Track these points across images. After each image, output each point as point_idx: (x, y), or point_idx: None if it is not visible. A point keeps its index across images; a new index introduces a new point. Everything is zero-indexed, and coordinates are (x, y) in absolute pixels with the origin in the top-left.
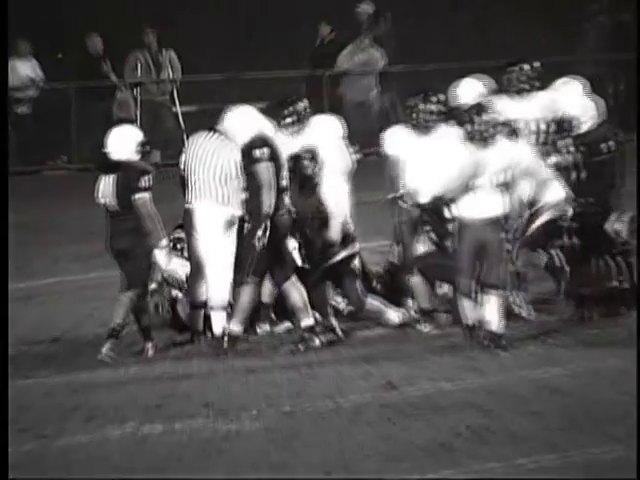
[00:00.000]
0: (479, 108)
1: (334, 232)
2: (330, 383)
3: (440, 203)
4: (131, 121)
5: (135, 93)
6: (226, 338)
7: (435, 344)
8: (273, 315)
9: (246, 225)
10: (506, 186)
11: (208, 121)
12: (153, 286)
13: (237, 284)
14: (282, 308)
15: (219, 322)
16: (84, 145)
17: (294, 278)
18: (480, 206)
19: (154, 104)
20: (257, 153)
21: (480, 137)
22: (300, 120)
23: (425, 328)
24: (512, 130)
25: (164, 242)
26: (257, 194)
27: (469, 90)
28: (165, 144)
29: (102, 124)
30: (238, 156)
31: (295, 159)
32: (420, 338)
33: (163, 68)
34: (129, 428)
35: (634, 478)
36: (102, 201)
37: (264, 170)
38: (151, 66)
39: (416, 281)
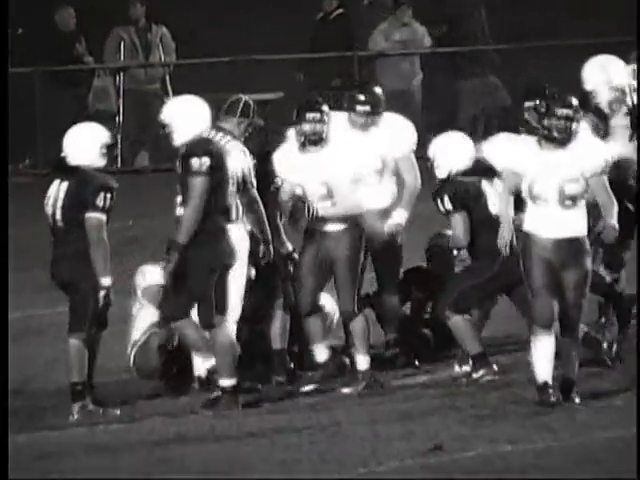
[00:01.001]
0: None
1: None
2: (362, 445)
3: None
4: (112, 115)
5: (117, 80)
6: (220, 393)
7: (492, 395)
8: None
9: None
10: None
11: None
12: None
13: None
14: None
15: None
16: (52, 145)
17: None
18: (553, 222)
19: (141, 94)
20: (194, 163)
21: (555, 135)
22: (375, 111)
23: (477, 374)
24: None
25: (107, 281)
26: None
27: (596, 73)
28: (155, 144)
29: (75, 119)
30: (249, 162)
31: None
32: (473, 389)
33: (153, 49)
34: None
35: (634, 478)
36: (48, 211)
37: (197, 186)
38: (138, 46)
39: (455, 320)
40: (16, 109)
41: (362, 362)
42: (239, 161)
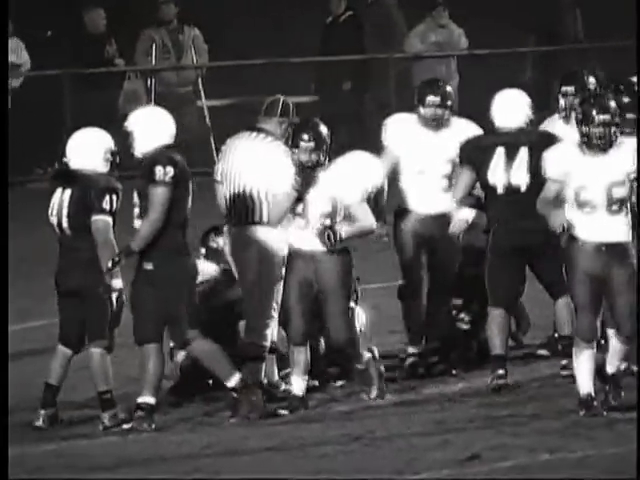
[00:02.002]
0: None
1: None
2: (398, 456)
3: None
4: None
5: (149, 83)
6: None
7: (530, 405)
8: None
9: None
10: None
11: (242, 118)
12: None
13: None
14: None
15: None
16: None
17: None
18: (600, 228)
19: (173, 97)
20: (158, 172)
21: (595, 142)
22: (445, 110)
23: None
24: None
25: (119, 283)
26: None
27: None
28: (187, 147)
29: (105, 122)
30: (289, 162)
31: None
32: (511, 397)
33: (185, 51)
34: None
35: (634, 478)
36: (54, 221)
37: (160, 196)
38: (170, 48)
39: (493, 315)
40: (45, 112)
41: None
42: (281, 162)
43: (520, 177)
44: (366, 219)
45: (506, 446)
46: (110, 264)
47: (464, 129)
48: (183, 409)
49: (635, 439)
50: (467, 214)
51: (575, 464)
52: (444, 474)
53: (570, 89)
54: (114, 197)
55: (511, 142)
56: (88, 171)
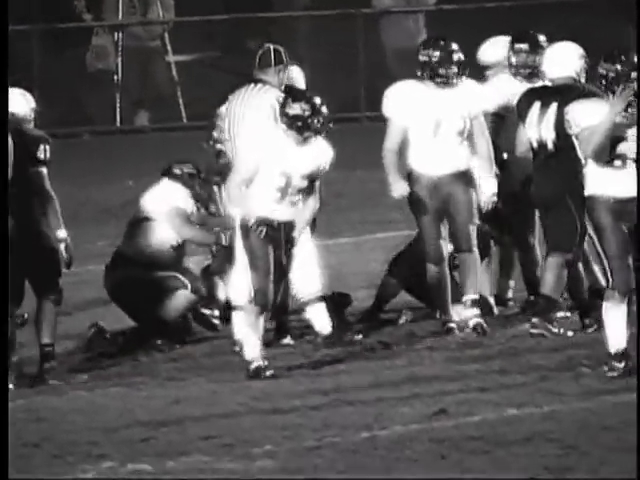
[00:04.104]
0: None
1: None
2: (366, 411)
3: None
4: (111, 73)
5: (116, 38)
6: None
7: (497, 360)
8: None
9: None
10: None
11: (211, 73)
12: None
13: None
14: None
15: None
16: (50, 104)
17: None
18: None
19: (141, 52)
20: (38, 152)
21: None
22: (459, 70)
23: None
24: None
25: (63, 233)
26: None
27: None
28: (155, 103)
29: (73, 77)
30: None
31: None
32: (479, 352)
33: (151, 5)
34: (107, 469)
35: (634, 478)
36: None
37: (41, 177)
38: (135, 3)
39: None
40: (14, 68)
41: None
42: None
43: (547, 133)
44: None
45: (473, 401)
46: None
47: (472, 87)
48: (152, 365)
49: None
50: (494, 187)
51: (542, 419)
52: (412, 429)
53: (524, 46)
54: (46, 147)
55: (546, 96)
56: (16, 127)
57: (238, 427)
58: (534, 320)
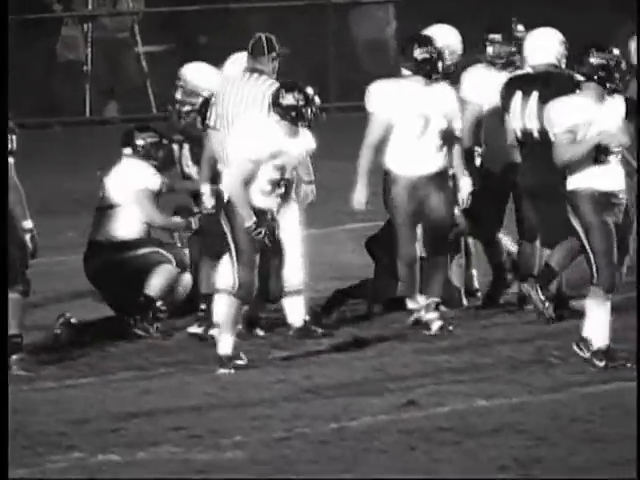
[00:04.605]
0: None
1: None
2: (335, 401)
3: None
4: (80, 63)
5: (85, 28)
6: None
7: (467, 351)
8: None
9: None
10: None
11: (181, 64)
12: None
13: None
14: None
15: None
16: (20, 95)
17: None
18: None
19: (111, 42)
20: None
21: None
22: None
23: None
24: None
25: (29, 223)
26: None
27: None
28: (125, 93)
29: (43, 67)
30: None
31: None
32: (448, 343)
33: None
34: (77, 459)
35: (634, 478)
36: None
37: (7, 168)
38: None
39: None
40: None
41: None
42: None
43: (531, 123)
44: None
45: (443, 392)
46: None
47: (446, 85)
48: (125, 355)
49: None
50: (469, 186)
51: (511, 410)
52: (381, 420)
53: (497, 37)
54: (11, 137)
55: (527, 85)
56: None
57: (208, 418)
58: (528, 281)
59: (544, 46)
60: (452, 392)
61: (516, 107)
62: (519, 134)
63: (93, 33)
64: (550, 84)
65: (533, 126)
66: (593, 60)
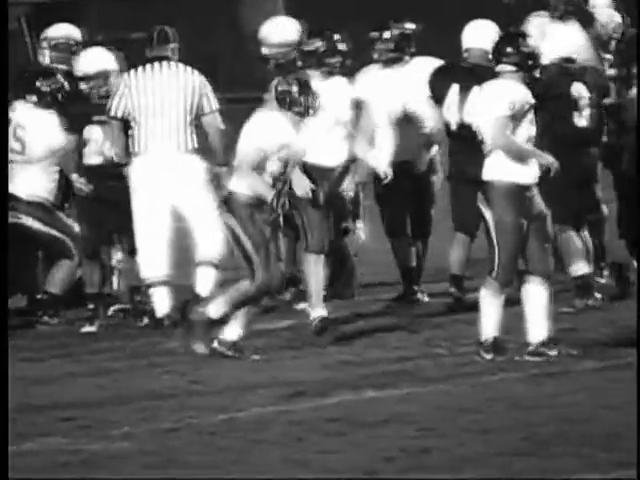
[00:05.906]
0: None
1: None
2: (224, 392)
3: None
4: None
5: None
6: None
7: (356, 341)
8: None
9: None
10: None
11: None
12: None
13: None
14: None
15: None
16: None
17: None
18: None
19: None
20: None
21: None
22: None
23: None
24: None
25: None
26: None
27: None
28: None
29: None
30: (209, 90)
31: None
32: (338, 335)
33: None
34: None
35: (634, 478)
36: None
37: None
38: None
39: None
40: None
41: None
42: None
43: (471, 118)
44: None
45: (331, 383)
46: None
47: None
48: (15, 345)
49: None
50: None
51: (400, 400)
52: (269, 411)
53: (386, 35)
54: None
55: (463, 79)
56: None
57: (97, 409)
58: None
59: (481, 35)
60: (341, 383)
61: (452, 101)
62: (454, 127)
63: None
64: (488, 79)
65: (473, 121)
66: (509, 49)
